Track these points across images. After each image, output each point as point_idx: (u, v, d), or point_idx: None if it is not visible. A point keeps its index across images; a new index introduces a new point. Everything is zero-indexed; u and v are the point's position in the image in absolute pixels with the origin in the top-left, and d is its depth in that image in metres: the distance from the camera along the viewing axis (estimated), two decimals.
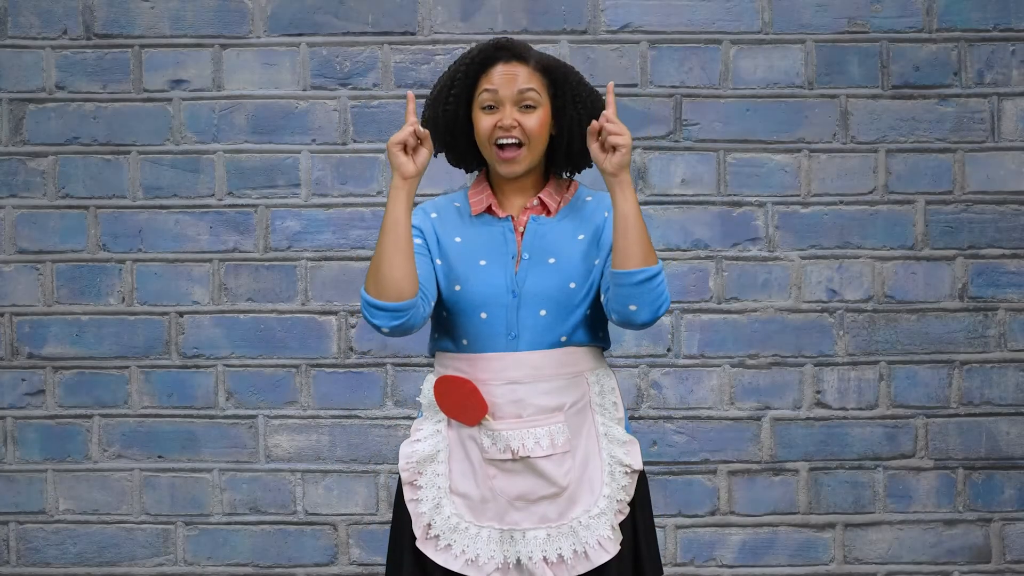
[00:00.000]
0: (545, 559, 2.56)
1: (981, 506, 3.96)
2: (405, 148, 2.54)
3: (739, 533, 3.95)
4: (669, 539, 3.93)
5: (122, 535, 3.97)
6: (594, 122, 2.53)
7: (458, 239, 2.65)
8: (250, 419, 3.96)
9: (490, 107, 2.59)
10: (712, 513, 3.95)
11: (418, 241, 2.63)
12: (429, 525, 2.58)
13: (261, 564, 3.96)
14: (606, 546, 2.57)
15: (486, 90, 2.59)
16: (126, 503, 3.97)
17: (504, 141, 2.58)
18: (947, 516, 3.96)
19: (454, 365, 2.62)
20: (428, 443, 2.62)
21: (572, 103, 2.62)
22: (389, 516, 3.94)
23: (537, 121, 2.59)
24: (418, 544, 2.58)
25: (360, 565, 3.96)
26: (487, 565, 2.56)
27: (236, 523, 3.96)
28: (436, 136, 2.66)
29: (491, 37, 2.72)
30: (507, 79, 2.58)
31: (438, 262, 2.64)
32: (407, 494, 2.61)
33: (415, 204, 2.63)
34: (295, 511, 3.96)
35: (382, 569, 3.94)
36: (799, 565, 3.95)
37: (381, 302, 2.51)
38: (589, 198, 2.71)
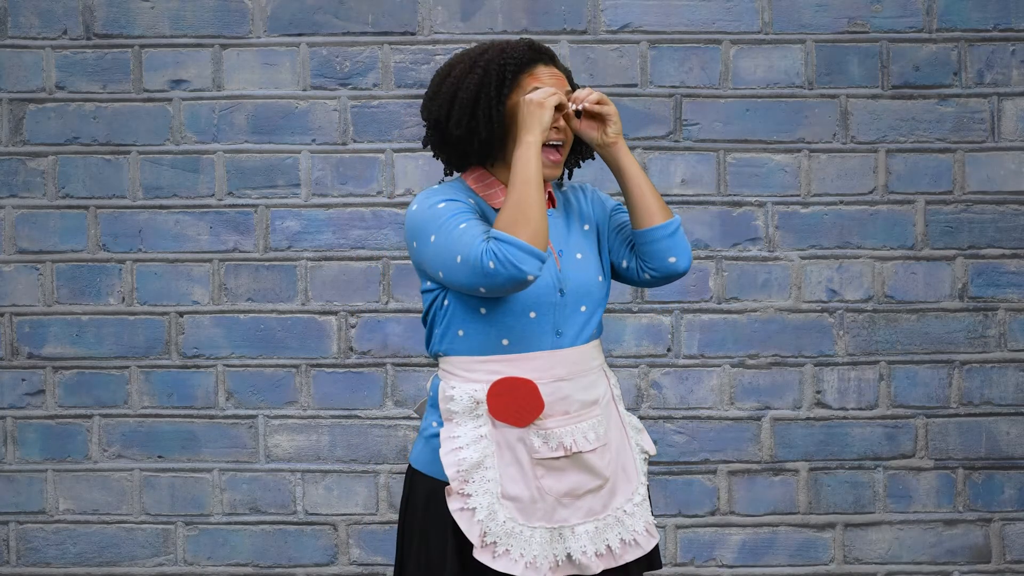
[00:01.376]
0: (597, 553, 2.60)
1: (981, 506, 3.96)
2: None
3: (739, 533, 3.95)
4: (669, 539, 3.93)
5: (122, 535, 3.97)
6: (570, 111, 2.59)
7: None
8: (250, 419, 3.96)
9: None
10: (712, 513, 3.95)
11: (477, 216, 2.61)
12: (484, 533, 2.54)
13: (261, 564, 3.96)
14: (652, 532, 2.66)
15: (536, 89, 2.58)
16: (126, 503, 3.97)
17: (556, 143, 2.62)
18: (947, 516, 3.96)
19: (488, 368, 2.58)
20: (473, 449, 2.56)
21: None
22: (389, 516, 3.94)
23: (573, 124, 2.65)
24: (475, 553, 2.53)
25: (360, 565, 3.96)
26: (543, 566, 2.56)
27: (236, 523, 3.96)
28: (466, 138, 2.61)
29: (491, 38, 2.72)
30: (556, 81, 2.62)
31: None
32: (454, 503, 2.55)
33: (422, 190, 2.63)
34: (295, 511, 3.96)
35: (382, 569, 3.94)
36: (799, 565, 3.95)
37: (535, 249, 2.47)
38: (565, 189, 2.77)
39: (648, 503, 2.70)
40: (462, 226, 2.51)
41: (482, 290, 2.49)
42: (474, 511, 2.53)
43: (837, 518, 3.96)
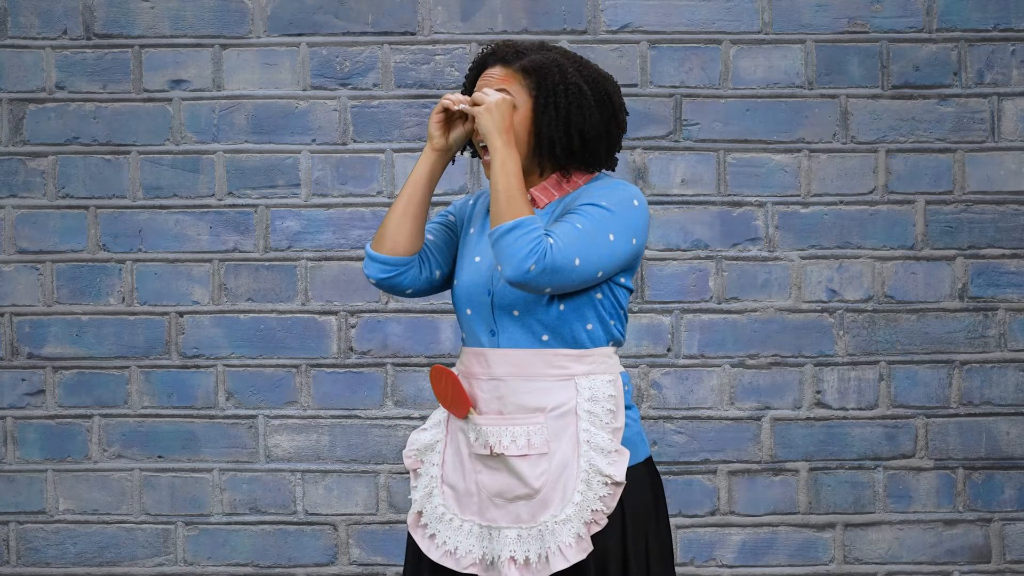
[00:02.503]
0: (513, 559, 2.55)
1: (981, 506, 3.96)
2: (448, 120, 2.61)
3: (739, 533, 3.95)
4: None
5: (122, 535, 3.97)
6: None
7: (472, 230, 2.70)
8: (250, 419, 3.96)
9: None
10: (712, 513, 3.95)
11: (451, 218, 2.74)
12: (420, 513, 2.63)
13: (261, 564, 3.96)
14: (566, 553, 2.52)
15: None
16: (126, 503, 3.97)
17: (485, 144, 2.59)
18: (947, 516, 3.96)
19: (461, 357, 2.68)
20: (431, 432, 2.67)
21: (553, 101, 2.57)
22: (389, 516, 3.95)
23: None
24: (409, 529, 2.65)
25: (360, 565, 3.96)
26: (464, 559, 2.58)
27: (236, 523, 3.96)
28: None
29: (491, 38, 2.73)
30: (489, 82, 2.60)
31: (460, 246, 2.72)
32: (411, 480, 2.68)
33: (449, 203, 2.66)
34: (295, 511, 3.96)
35: (382, 569, 3.94)
36: (799, 565, 3.95)
37: (374, 252, 2.65)
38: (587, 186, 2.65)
39: (575, 524, 2.52)
40: None
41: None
42: (416, 489, 2.66)
43: (837, 518, 3.96)
